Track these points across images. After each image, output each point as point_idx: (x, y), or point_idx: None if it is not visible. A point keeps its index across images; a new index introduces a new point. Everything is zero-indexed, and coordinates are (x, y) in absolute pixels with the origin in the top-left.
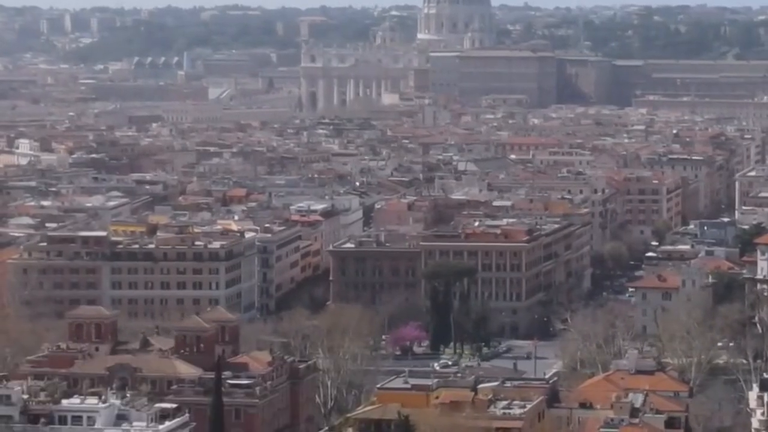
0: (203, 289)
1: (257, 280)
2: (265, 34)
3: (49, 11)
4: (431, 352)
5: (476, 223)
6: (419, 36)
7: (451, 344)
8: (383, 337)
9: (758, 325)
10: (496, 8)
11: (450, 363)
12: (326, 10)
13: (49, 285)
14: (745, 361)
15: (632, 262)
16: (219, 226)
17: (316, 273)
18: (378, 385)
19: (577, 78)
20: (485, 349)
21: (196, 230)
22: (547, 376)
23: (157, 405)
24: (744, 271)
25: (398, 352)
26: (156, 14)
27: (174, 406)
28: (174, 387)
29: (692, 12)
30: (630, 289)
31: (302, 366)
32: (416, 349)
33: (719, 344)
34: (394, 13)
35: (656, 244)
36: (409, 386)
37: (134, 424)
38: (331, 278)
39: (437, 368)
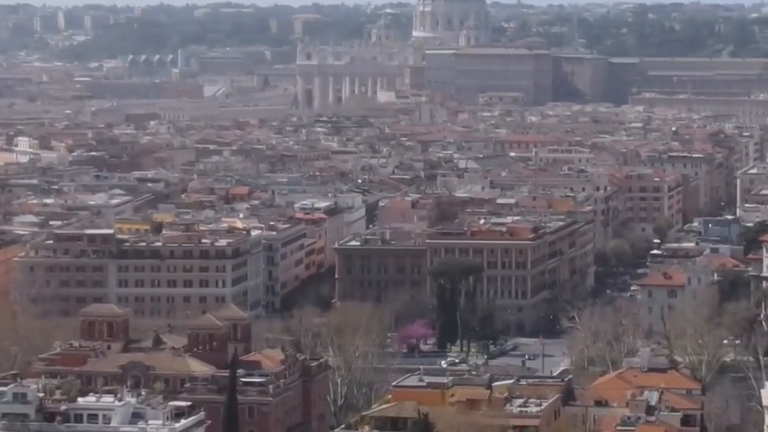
0: (210, 287)
1: (263, 278)
2: (259, 31)
3: (43, 9)
4: (438, 349)
5: (481, 221)
6: (414, 33)
7: (458, 342)
8: (388, 334)
9: (764, 323)
10: (489, 5)
11: (457, 361)
12: (319, 7)
13: (55, 283)
14: (752, 359)
15: (643, 260)
16: (224, 224)
17: (320, 271)
18: (393, 383)
19: (573, 75)
20: (492, 347)
21: (202, 228)
22: (554, 374)
23: (172, 403)
24: (749, 269)
25: (405, 350)
26: (149, 12)
27: (189, 404)
28: (187, 385)
29: (686, 9)
30: (632, 287)
31: (314, 364)
32: (423, 346)
33: (725, 341)
34: (388, 10)
35: (658, 241)
36: (424, 384)
37: (150, 422)
38: (336, 276)
39: (444, 366)
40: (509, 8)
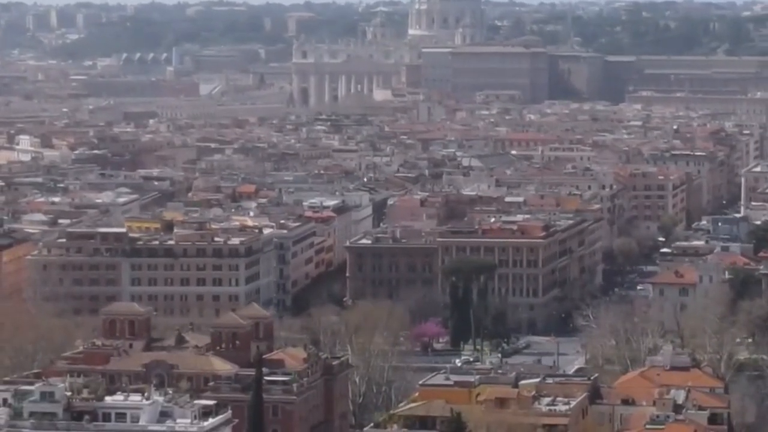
0: (223, 286)
1: (274, 277)
2: (253, 29)
3: (35, 7)
4: (451, 348)
5: (492, 219)
6: (410, 32)
7: (471, 340)
8: (401, 333)
9: None
10: (482, 4)
11: (471, 359)
12: (311, 5)
13: (69, 281)
14: (766, 357)
15: (649, 258)
16: (236, 223)
17: (329, 269)
18: (420, 382)
19: (569, 74)
20: (505, 345)
21: (214, 226)
22: (569, 373)
23: (199, 402)
24: (761, 267)
25: (418, 348)
26: (141, 10)
27: (215, 402)
28: (211, 384)
29: (679, 8)
30: (638, 287)
31: (336, 362)
32: (436, 345)
33: (737, 340)
34: (381, 8)
35: (663, 239)
36: (451, 383)
37: (178, 421)
38: (347, 274)
39: (458, 364)
40: (502, 6)
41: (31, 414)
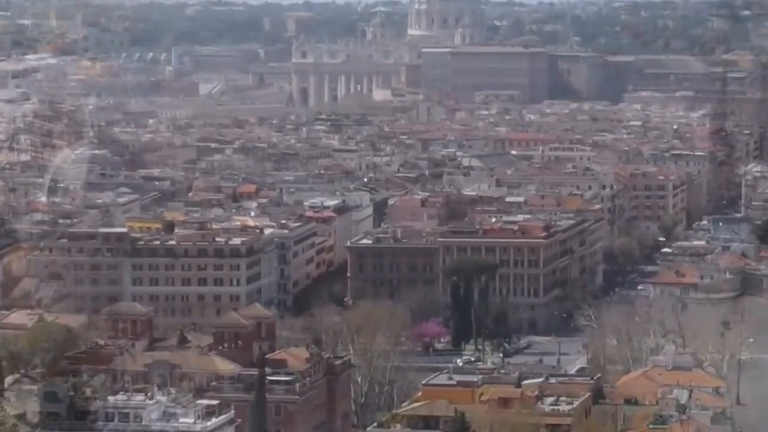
0: (224, 286)
1: (275, 277)
2: (252, 29)
3: (33, 5)
4: (453, 348)
5: (493, 220)
6: (410, 32)
7: (472, 340)
8: (402, 333)
9: None
10: (482, 4)
11: (473, 359)
12: (310, 5)
13: (70, 282)
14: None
15: (650, 258)
16: (237, 223)
17: (330, 269)
18: (423, 381)
19: (568, 74)
20: (506, 345)
21: (215, 227)
22: (570, 372)
23: (202, 401)
24: (762, 267)
25: (419, 349)
26: (140, 9)
27: (218, 402)
28: (214, 383)
29: (678, 7)
30: (639, 287)
31: (338, 362)
32: (437, 345)
33: (739, 340)
34: (380, 8)
35: (663, 239)
36: (454, 383)
37: (181, 420)
38: (348, 274)
39: (460, 364)
40: (501, 6)
41: (35, 414)
